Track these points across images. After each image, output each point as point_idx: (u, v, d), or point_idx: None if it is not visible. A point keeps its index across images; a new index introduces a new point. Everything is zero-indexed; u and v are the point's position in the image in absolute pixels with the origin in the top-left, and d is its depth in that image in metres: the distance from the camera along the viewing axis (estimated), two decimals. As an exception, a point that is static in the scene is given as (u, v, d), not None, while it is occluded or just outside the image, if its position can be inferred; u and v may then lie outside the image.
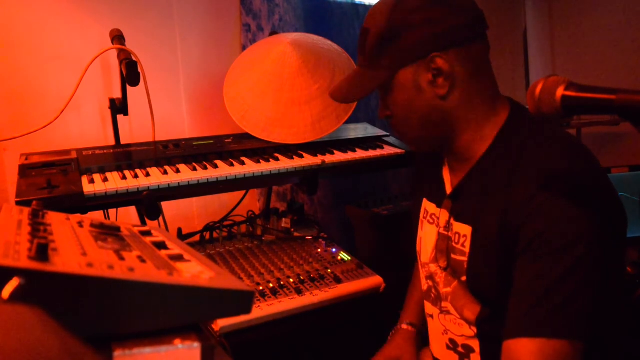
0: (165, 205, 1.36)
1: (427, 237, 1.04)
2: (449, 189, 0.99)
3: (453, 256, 0.94)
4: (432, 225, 1.03)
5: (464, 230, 0.92)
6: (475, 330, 0.93)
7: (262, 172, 1.30)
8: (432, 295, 1.04)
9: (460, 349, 0.99)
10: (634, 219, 1.77)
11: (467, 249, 0.91)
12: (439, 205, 1.01)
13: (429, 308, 1.06)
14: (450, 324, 0.99)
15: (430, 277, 1.03)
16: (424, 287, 1.07)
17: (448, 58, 0.86)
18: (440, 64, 0.86)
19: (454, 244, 0.94)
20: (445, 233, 0.97)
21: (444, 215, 0.98)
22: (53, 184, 1.09)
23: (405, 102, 0.92)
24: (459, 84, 0.88)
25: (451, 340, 1.00)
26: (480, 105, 0.91)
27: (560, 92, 0.67)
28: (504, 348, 0.78)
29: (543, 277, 0.76)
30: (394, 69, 0.90)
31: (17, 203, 1.02)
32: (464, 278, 0.92)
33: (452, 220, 0.95)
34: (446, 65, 0.86)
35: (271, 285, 1.22)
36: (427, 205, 1.06)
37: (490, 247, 0.86)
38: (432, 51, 0.86)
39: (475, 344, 0.94)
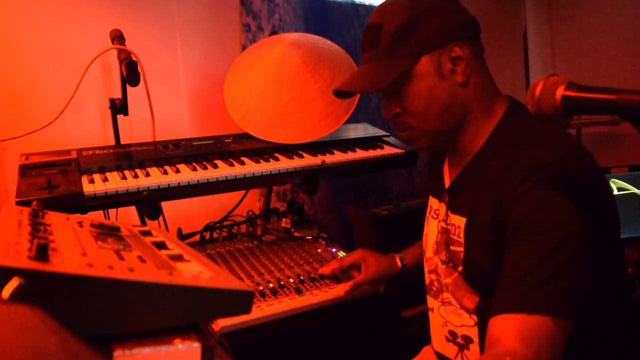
0: (165, 205, 1.35)
1: (430, 232, 1.09)
2: (447, 184, 1.04)
3: (452, 247, 0.98)
4: (435, 220, 1.07)
5: (458, 221, 0.96)
6: (476, 319, 0.95)
7: (262, 172, 1.30)
8: (434, 288, 1.07)
9: (459, 340, 1.01)
10: (634, 218, 1.76)
11: (462, 240, 0.95)
12: (440, 200, 1.06)
13: (430, 302, 1.10)
14: (451, 314, 1.02)
15: (433, 270, 1.07)
16: (427, 281, 1.11)
17: (464, 49, 0.93)
18: (460, 52, 0.93)
19: (452, 235, 0.99)
20: (445, 226, 1.01)
21: (442, 209, 1.03)
22: (53, 184, 1.09)
23: (426, 91, 0.94)
24: (474, 74, 0.95)
25: (451, 332, 1.03)
26: (485, 99, 0.97)
27: (560, 92, 0.67)
28: (488, 326, 0.79)
29: (526, 258, 0.78)
30: (416, 57, 0.94)
31: (17, 203, 1.02)
32: (460, 268, 0.96)
33: (449, 213, 1.00)
34: (466, 52, 0.93)
35: (271, 285, 1.22)
36: (432, 202, 1.10)
37: (484, 238, 0.89)
38: (452, 40, 0.93)
39: (474, 334, 0.97)
